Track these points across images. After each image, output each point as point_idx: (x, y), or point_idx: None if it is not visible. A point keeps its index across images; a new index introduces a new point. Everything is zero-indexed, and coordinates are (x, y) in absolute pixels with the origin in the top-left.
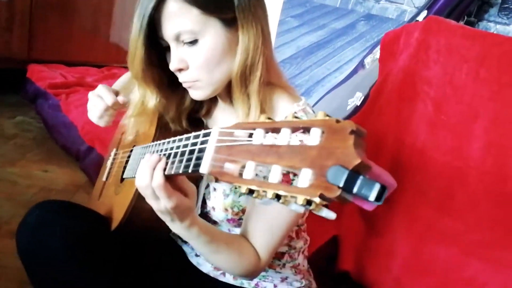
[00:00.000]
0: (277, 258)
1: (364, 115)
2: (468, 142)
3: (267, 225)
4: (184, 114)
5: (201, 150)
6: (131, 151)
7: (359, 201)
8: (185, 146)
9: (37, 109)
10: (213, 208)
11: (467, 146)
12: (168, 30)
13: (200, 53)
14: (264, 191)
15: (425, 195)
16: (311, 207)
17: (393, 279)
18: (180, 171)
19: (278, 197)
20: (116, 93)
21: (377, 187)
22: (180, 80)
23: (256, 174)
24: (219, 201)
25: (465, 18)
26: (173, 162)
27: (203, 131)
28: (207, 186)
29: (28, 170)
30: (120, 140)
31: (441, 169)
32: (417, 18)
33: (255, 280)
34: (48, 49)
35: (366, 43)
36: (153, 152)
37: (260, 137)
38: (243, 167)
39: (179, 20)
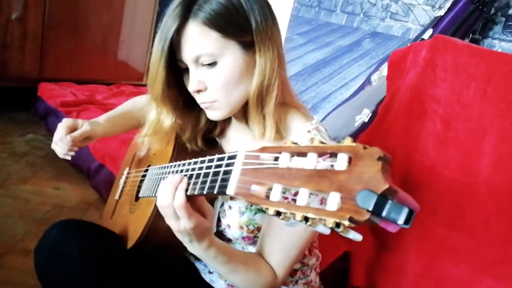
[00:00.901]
0: (290, 275)
1: (372, 131)
2: (477, 159)
3: (284, 243)
4: (199, 134)
5: (227, 172)
6: (146, 170)
7: (385, 223)
8: (209, 167)
9: (47, 126)
10: (228, 226)
11: (477, 163)
12: (188, 53)
13: (218, 75)
14: (292, 213)
15: (435, 212)
16: (339, 230)
17: None
18: (204, 192)
19: (306, 219)
20: (75, 128)
21: (405, 211)
22: (198, 101)
23: (283, 197)
24: (234, 219)
25: (470, 35)
26: (195, 183)
27: (228, 154)
28: (222, 204)
29: (40, 187)
30: (133, 159)
31: (451, 186)
32: (423, 36)
33: None
34: (59, 67)
35: (371, 60)
36: (173, 172)
37: (286, 161)
38: (270, 189)
39: (199, 43)
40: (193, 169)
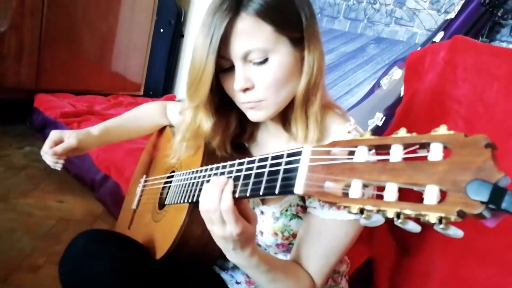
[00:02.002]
0: None
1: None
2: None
3: (323, 250)
4: (228, 139)
5: (289, 171)
6: (169, 177)
7: (495, 216)
8: (261, 167)
9: (45, 138)
10: (261, 233)
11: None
12: (238, 48)
13: (269, 72)
14: (381, 210)
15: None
16: (440, 226)
17: None
18: (261, 193)
19: (398, 215)
20: (60, 141)
21: None
22: (242, 100)
23: (363, 194)
24: (267, 225)
25: (479, 38)
26: (245, 185)
27: (287, 151)
28: (253, 208)
29: (43, 201)
30: (149, 166)
31: None
32: (434, 39)
33: None
34: (56, 78)
35: (377, 65)
36: (213, 175)
37: (364, 155)
38: (347, 186)
39: (251, 37)
40: (238, 171)
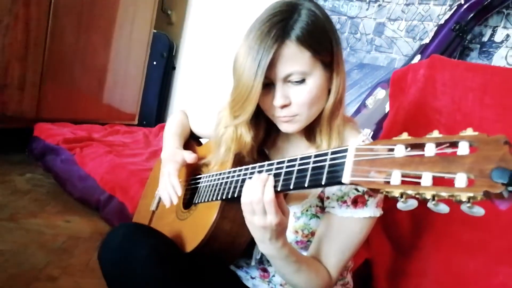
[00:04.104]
0: None
1: None
2: None
3: (340, 246)
4: (256, 146)
5: (335, 165)
6: (194, 180)
7: (505, 200)
8: (303, 164)
9: (46, 165)
10: None
11: None
12: (281, 71)
13: (304, 92)
14: (418, 194)
15: (449, 212)
16: (467, 205)
17: None
18: (306, 185)
19: (434, 197)
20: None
21: None
22: (279, 114)
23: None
24: (289, 224)
25: None
26: (287, 179)
27: (330, 150)
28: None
29: (51, 221)
30: None
31: None
32: (412, 62)
33: None
34: (56, 108)
35: (360, 89)
36: (251, 174)
37: (402, 151)
38: (389, 175)
39: (293, 62)
40: (278, 168)
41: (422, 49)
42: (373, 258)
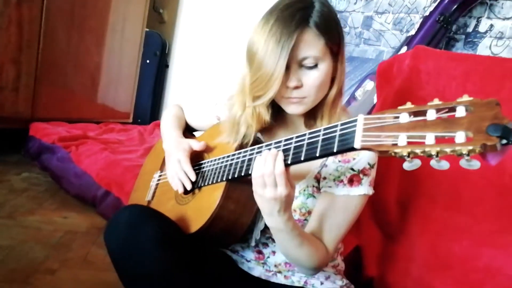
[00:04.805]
0: None
1: None
2: None
3: (336, 222)
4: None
5: (344, 134)
6: (197, 165)
7: (496, 154)
8: (313, 137)
9: (42, 164)
10: None
11: None
12: (299, 54)
13: (316, 76)
14: (424, 152)
15: (434, 198)
16: (467, 158)
17: (415, 281)
18: (317, 154)
19: (437, 153)
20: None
21: None
22: (290, 95)
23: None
24: None
25: None
26: (297, 153)
27: (340, 122)
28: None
29: (49, 217)
30: (163, 164)
31: (446, 172)
32: (399, 53)
33: (304, 278)
34: (50, 108)
35: (351, 81)
36: (258, 152)
37: (406, 118)
38: (396, 138)
39: (310, 47)
40: (286, 144)
41: (409, 41)
42: (363, 244)
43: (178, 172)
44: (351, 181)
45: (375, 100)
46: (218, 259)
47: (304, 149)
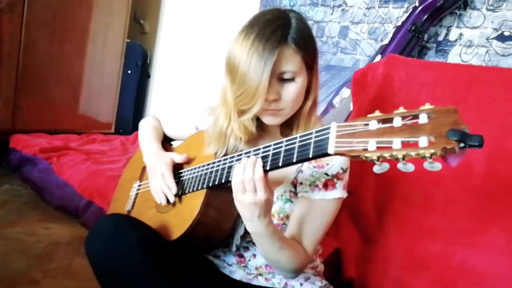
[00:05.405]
0: None
1: None
2: None
3: (314, 225)
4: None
5: (319, 141)
6: (177, 174)
7: (455, 156)
8: (290, 144)
9: (23, 176)
10: None
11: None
12: (278, 68)
13: (293, 89)
14: (392, 156)
15: (408, 200)
16: (429, 160)
17: (393, 281)
18: (294, 160)
19: (404, 157)
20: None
21: (481, 137)
22: (268, 107)
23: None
24: None
25: None
26: (275, 159)
27: (314, 130)
28: None
29: (31, 228)
30: (141, 173)
31: (418, 175)
32: (374, 61)
33: (284, 280)
34: (31, 119)
35: (328, 89)
36: (235, 160)
37: (375, 125)
38: (366, 144)
39: (289, 62)
40: (265, 152)
41: (383, 50)
42: (343, 247)
43: (162, 186)
44: (325, 186)
45: (351, 107)
46: (199, 264)
47: (281, 155)
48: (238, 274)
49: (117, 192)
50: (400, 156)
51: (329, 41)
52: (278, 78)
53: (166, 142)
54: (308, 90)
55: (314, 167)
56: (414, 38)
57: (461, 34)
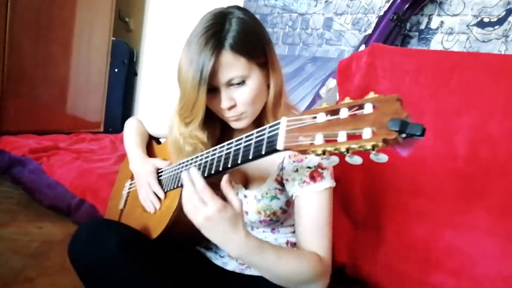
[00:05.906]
0: None
1: None
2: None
3: (315, 223)
4: (215, 143)
5: (271, 136)
6: (159, 173)
7: (402, 146)
8: (248, 141)
9: (13, 177)
10: (246, 213)
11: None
12: (222, 77)
13: (246, 92)
14: (337, 148)
15: (396, 186)
16: (373, 152)
17: (384, 266)
18: (250, 157)
19: (347, 150)
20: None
21: (421, 127)
22: (228, 115)
23: (324, 141)
24: (252, 206)
25: None
26: (236, 155)
27: (268, 125)
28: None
29: (24, 229)
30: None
31: (404, 161)
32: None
33: None
34: (19, 120)
35: (315, 81)
36: (201, 160)
37: (323, 117)
38: (313, 138)
39: (232, 68)
40: (221, 151)
41: (366, 40)
42: (334, 233)
43: (149, 194)
44: (313, 177)
45: (337, 97)
46: (191, 259)
47: (240, 152)
48: (231, 265)
49: (114, 190)
50: (343, 150)
51: (314, 33)
52: (228, 84)
53: (153, 140)
54: (270, 85)
55: (294, 161)
56: (397, 27)
57: (442, 22)
